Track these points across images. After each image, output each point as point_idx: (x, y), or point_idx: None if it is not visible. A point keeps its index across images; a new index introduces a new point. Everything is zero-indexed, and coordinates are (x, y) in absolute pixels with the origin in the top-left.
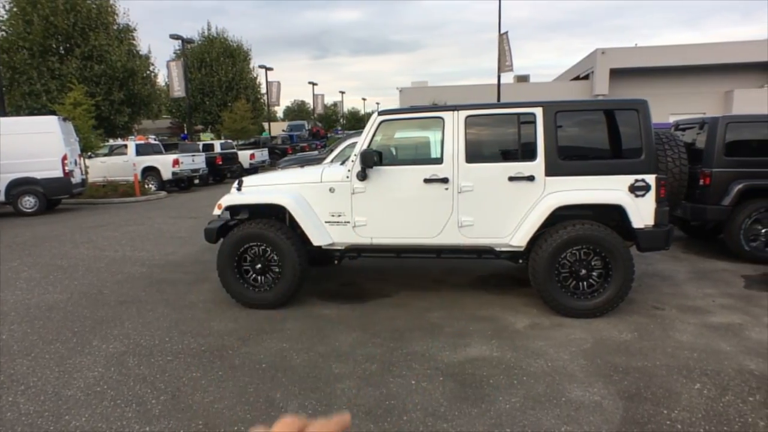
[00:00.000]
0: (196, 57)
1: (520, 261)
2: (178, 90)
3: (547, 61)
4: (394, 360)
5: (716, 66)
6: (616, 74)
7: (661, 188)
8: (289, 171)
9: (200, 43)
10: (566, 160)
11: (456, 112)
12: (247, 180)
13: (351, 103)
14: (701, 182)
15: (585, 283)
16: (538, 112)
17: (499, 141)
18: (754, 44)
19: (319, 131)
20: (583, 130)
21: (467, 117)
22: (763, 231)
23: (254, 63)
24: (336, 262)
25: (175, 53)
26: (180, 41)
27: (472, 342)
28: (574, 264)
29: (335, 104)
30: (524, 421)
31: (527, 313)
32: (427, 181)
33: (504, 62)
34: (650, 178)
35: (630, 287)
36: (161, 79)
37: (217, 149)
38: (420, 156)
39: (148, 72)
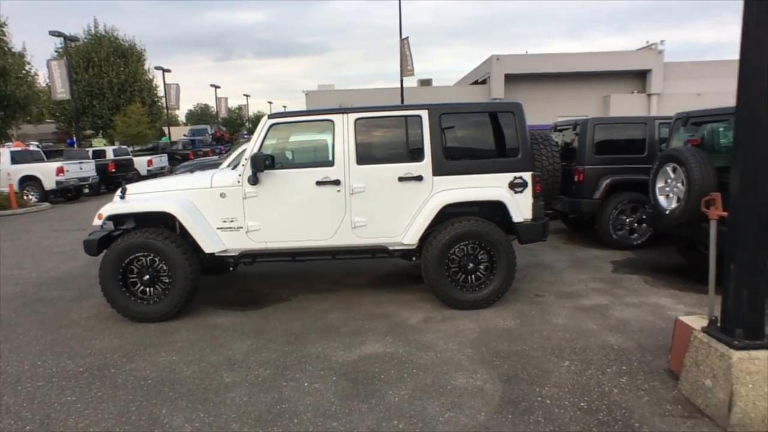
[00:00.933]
0: (82, 56)
1: (414, 258)
2: (62, 92)
3: (450, 66)
4: (288, 364)
5: (595, 73)
6: (511, 79)
7: (536, 184)
8: (179, 177)
9: (87, 42)
10: (452, 160)
11: (345, 115)
12: (132, 187)
13: (257, 106)
14: (576, 178)
15: (473, 276)
16: (424, 114)
17: (389, 143)
18: (626, 54)
19: (223, 135)
20: (466, 132)
21: (357, 120)
22: (628, 221)
23: (150, 64)
24: (231, 268)
25: (57, 52)
26: (62, 39)
27: (367, 340)
28: (462, 259)
29: (240, 108)
30: (411, 411)
31: (421, 309)
32: (319, 183)
33: (406, 66)
34: (527, 176)
35: (513, 278)
36: (42, 80)
37: (110, 156)
38: (312, 159)
39: (24, 71)
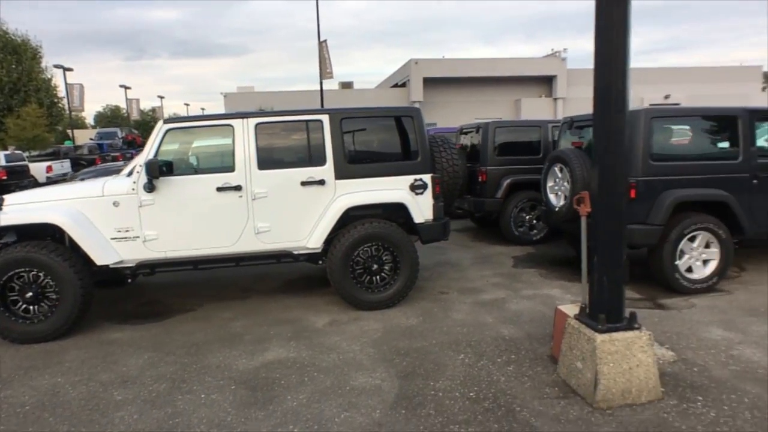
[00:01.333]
0: None
1: (320, 262)
2: None
3: (372, 69)
4: (186, 376)
5: (508, 78)
6: (430, 82)
7: (436, 186)
8: (68, 185)
9: None
10: (354, 163)
11: (245, 119)
12: (11, 197)
13: (173, 108)
14: (480, 179)
15: (378, 277)
16: (325, 119)
17: (291, 147)
18: (534, 61)
19: (135, 139)
20: (367, 136)
21: (257, 124)
22: (527, 218)
23: (49, 62)
24: (129, 280)
25: None
26: None
27: (271, 346)
28: (367, 260)
29: (154, 110)
30: (308, 414)
31: (328, 312)
32: (220, 189)
33: (325, 69)
34: (427, 178)
35: (416, 277)
36: None
37: (1, 162)
38: (212, 165)
39: None
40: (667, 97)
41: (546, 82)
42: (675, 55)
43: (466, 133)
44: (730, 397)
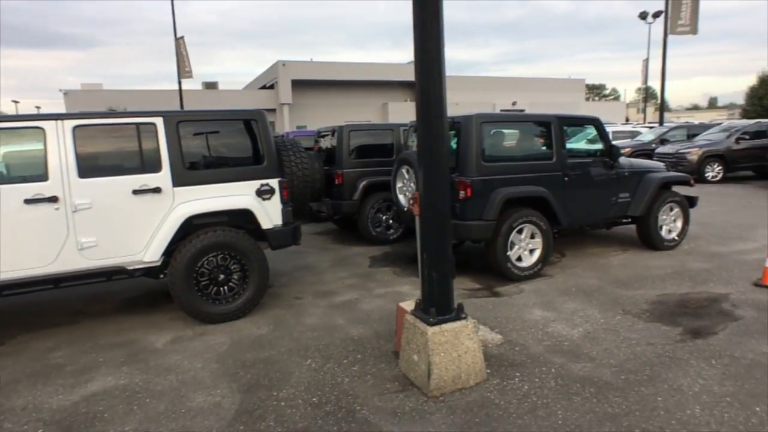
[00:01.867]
0: None
1: (162, 276)
2: None
3: (241, 69)
4: None
5: (376, 82)
6: (299, 85)
7: (284, 190)
8: None
9: None
10: (194, 169)
11: (60, 121)
12: None
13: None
14: (336, 181)
15: (226, 287)
16: (159, 122)
17: (119, 153)
18: (400, 66)
19: None
20: (209, 140)
21: (75, 127)
22: (384, 218)
23: None
24: None
25: None
26: None
27: (98, 375)
28: (213, 271)
29: None
30: None
31: (172, 329)
32: (29, 201)
33: (183, 68)
34: (274, 182)
35: (267, 285)
36: None
37: None
38: (19, 173)
39: None
40: (514, 103)
41: (411, 87)
42: (523, 67)
43: (323, 137)
44: (541, 370)
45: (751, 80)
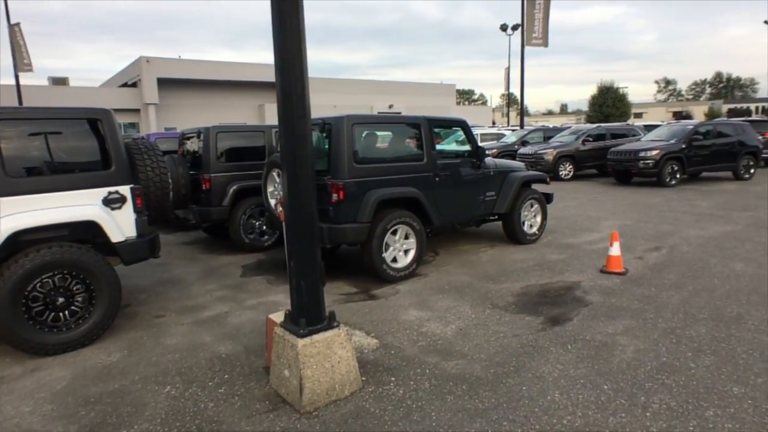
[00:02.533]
0: None
1: None
2: None
3: (99, 65)
4: None
5: (251, 82)
6: (166, 84)
7: (137, 198)
8: None
9: None
10: (24, 176)
11: None
12: None
13: None
14: (204, 187)
15: (67, 312)
16: None
17: None
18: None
19: None
20: (41, 142)
21: None
22: (257, 224)
23: None
24: None
25: None
26: None
27: None
28: (49, 294)
29: None
30: None
31: None
32: None
33: (21, 60)
34: (125, 189)
35: (119, 305)
36: None
37: None
38: None
39: None
40: (390, 106)
41: None
42: (399, 71)
43: (188, 139)
44: (416, 372)
45: (593, 90)
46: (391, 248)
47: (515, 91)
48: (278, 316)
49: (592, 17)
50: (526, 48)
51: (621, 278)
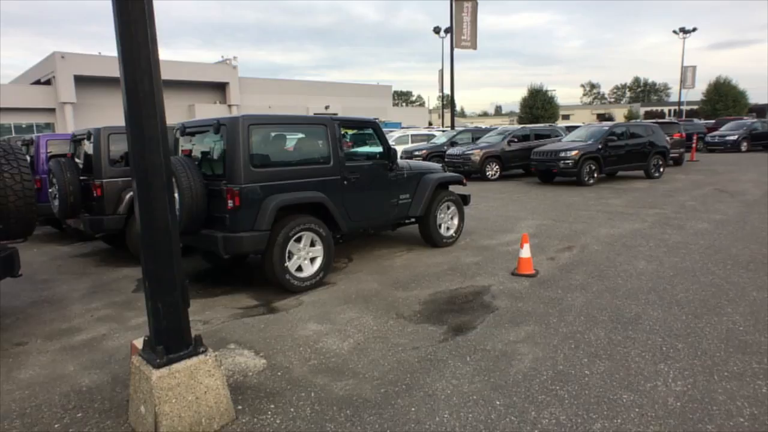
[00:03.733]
0: None
1: None
2: None
3: (16, 60)
4: None
5: (181, 82)
6: (85, 81)
7: None
8: None
9: None
10: None
11: None
12: None
13: None
14: (95, 193)
15: None
16: None
17: None
18: (208, 66)
19: None
20: None
21: None
22: None
23: None
24: None
25: None
26: None
27: None
28: None
29: None
30: None
31: None
32: None
33: None
34: None
35: None
36: None
37: None
38: None
39: None
40: (327, 107)
41: (219, 89)
42: (336, 72)
43: (78, 141)
44: (300, 396)
45: (524, 92)
46: (296, 257)
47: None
48: (142, 342)
49: (522, 23)
50: (457, 50)
51: (530, 280)
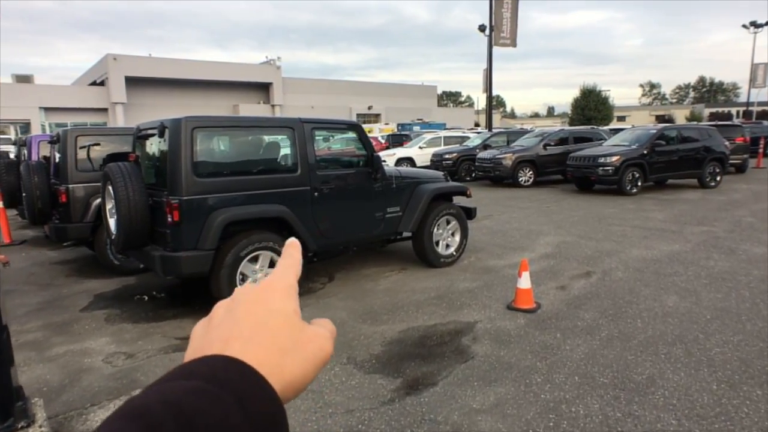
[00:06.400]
0: None
1: None
2: None
3: (83, 63)
4: None
5: (225, 82)
6: (135, 82)
7: None
8: None
9: None
10: None
11: None
12: None
13: None
14: (61, 200)
15: None
16: None
17: None
18: (252, 67)
19: None
20: None
21: None
22: None
23: None
24: None
25: None
26: None
27: None
28: None
29: None
30: None
31: None
32: None
33: None
34: None
35: None
36: None
37: None
38: None
39: None
40: (370, 107)
41: (263, 89)
42: (386, 73)
43: (52, 143)
44: None
45: (577, 92)
46: (250, 279)
47: (501, 93)
48: None
49: (579, 21)
50: (509, 50)
51: (527, 317)
